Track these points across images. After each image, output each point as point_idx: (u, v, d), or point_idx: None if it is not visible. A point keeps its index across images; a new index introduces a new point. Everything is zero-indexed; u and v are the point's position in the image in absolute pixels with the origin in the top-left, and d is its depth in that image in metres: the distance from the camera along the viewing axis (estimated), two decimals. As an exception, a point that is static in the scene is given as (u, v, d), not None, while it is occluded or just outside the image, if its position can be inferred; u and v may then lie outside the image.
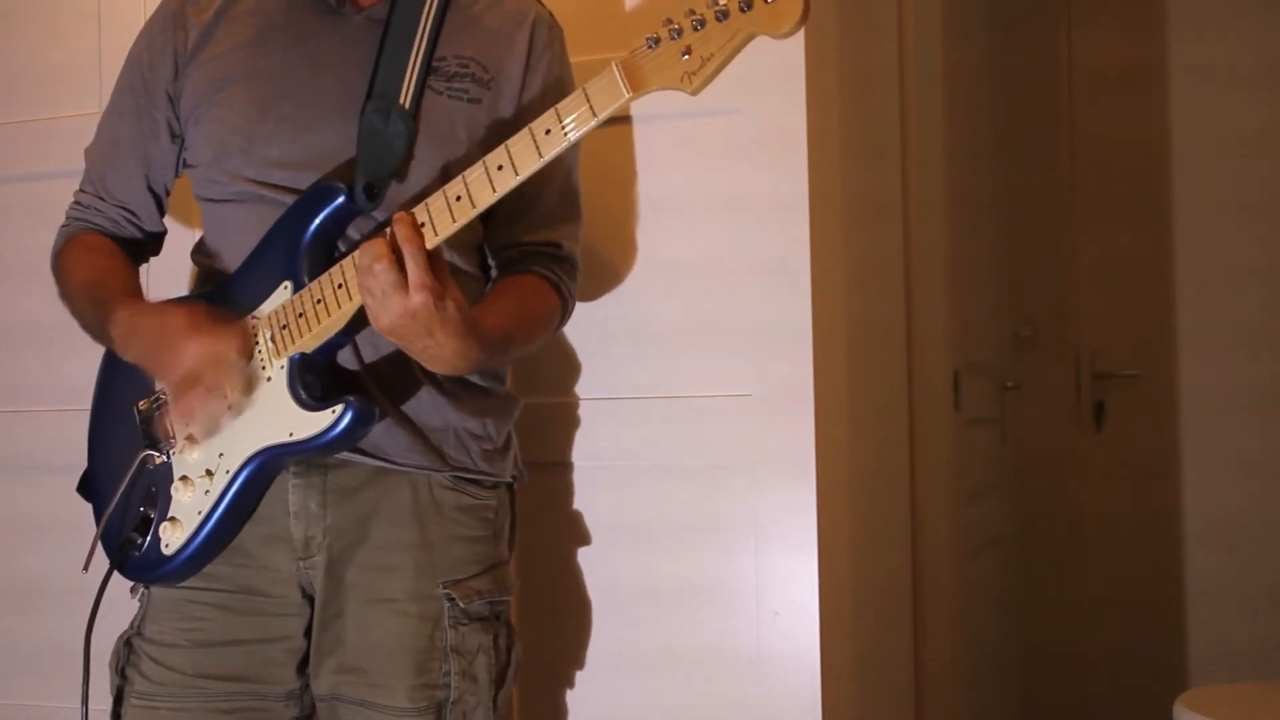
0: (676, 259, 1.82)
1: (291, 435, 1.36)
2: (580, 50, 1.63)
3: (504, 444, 1.55)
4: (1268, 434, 3.49)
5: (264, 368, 1.40)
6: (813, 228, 1.75)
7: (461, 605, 1.46)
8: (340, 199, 1.39)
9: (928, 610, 2.37)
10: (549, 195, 1.56)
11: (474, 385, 1.51)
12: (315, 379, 1.39)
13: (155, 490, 1.45)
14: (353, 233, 1.43)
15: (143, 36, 1.59)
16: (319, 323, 1.36)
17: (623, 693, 1.82)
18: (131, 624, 1.52)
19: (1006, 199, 3.39)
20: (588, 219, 1.64)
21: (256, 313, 1.41)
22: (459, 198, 1.29)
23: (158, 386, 1.48)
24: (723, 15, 1.18)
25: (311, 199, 1.41)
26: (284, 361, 1.38)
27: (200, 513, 1.41)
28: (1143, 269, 3.67)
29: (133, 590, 1.52)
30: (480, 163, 1.29)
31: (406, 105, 1.45)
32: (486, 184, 1.28)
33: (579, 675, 1.84)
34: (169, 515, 1.43)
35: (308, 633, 1.48)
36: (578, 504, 1.86)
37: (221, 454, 1.41)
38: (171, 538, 1.42)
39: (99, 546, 1.49)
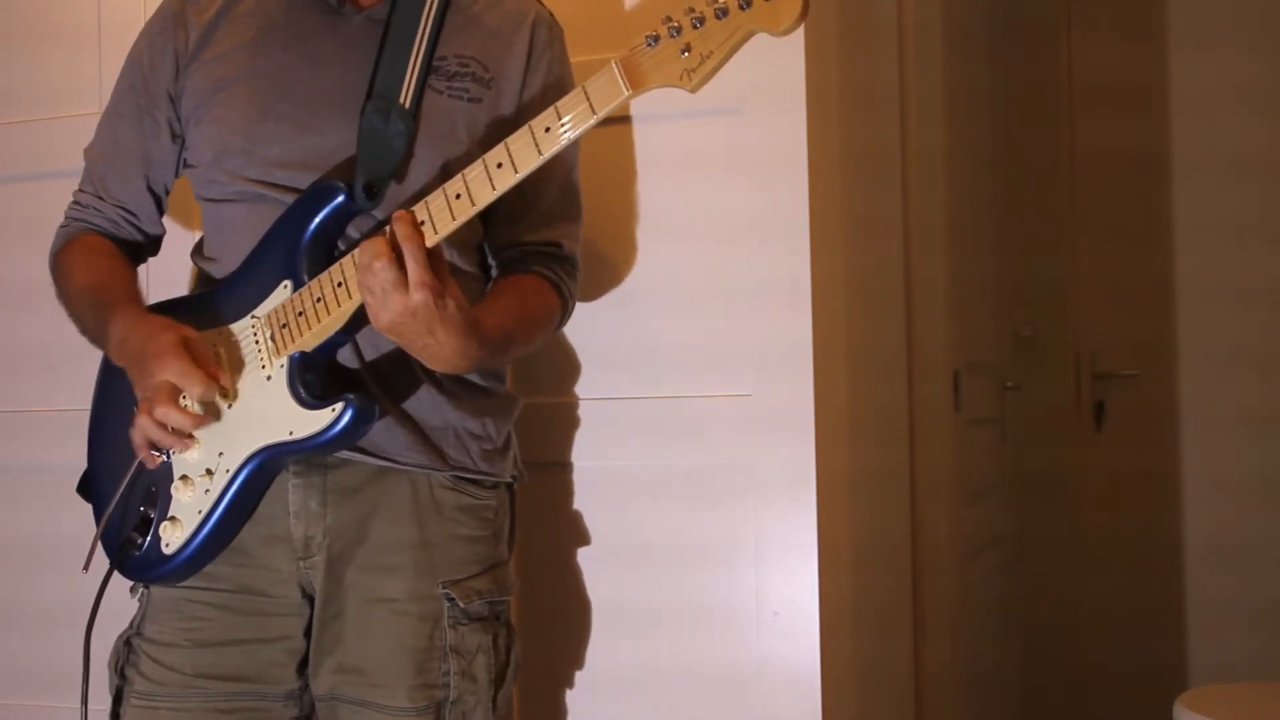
0: (677, 260, 1.82)
1: (292, 434, 1.36)
2: (580, 50, 1.63)
3: (504, 444, 1.55)
4: (1268, 434, 3.49)
5: (264, 366, 1.40)
6: (813, 235, 1.75)
7: (461, 605, 1.46)
8: (340, 198, 1.39)
9: (928, 611, 2.37)
10: (549, 194, 1.57)
11: (474, 385, 1.51)
12: (315, 377, 1.39)
13: (155, 490, 1.45)
14: (352, 232, 1.43)
15: (143, 37, 1.59)
16: (319, 321, 1.36)
17: (622, 692, 1.81)
18: (131, 624, 1.52)
19: (1007, 203, 3.39)
20: (588, 219, 1.64)
21: (256, 311, 1.42)
22: (459, 196, 1.29)
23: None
24: (722, 13, 1.18)
25: (311, 198, 1.41)
26: (284, 360, 1.38)
27: (200, 512, 1.41)
28: (1143, 269, 3.67)
29: (132, 590, 1.52)
30: (480, 160, 1.29)
31: (406, 105, 1.45)
32: (486, 182, 1.28)
33: (578, 675, 1.84)
34: (169, 515, 1.43)
35: (308, 633, 1.48)
36: (578, 504, 1.86)
37: (222, 453, 1.41)
38: (172, 537, 1.42)
39: (99, 546, 1.49)
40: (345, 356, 1.44)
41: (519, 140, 1.27)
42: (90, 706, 1.44)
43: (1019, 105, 3.51)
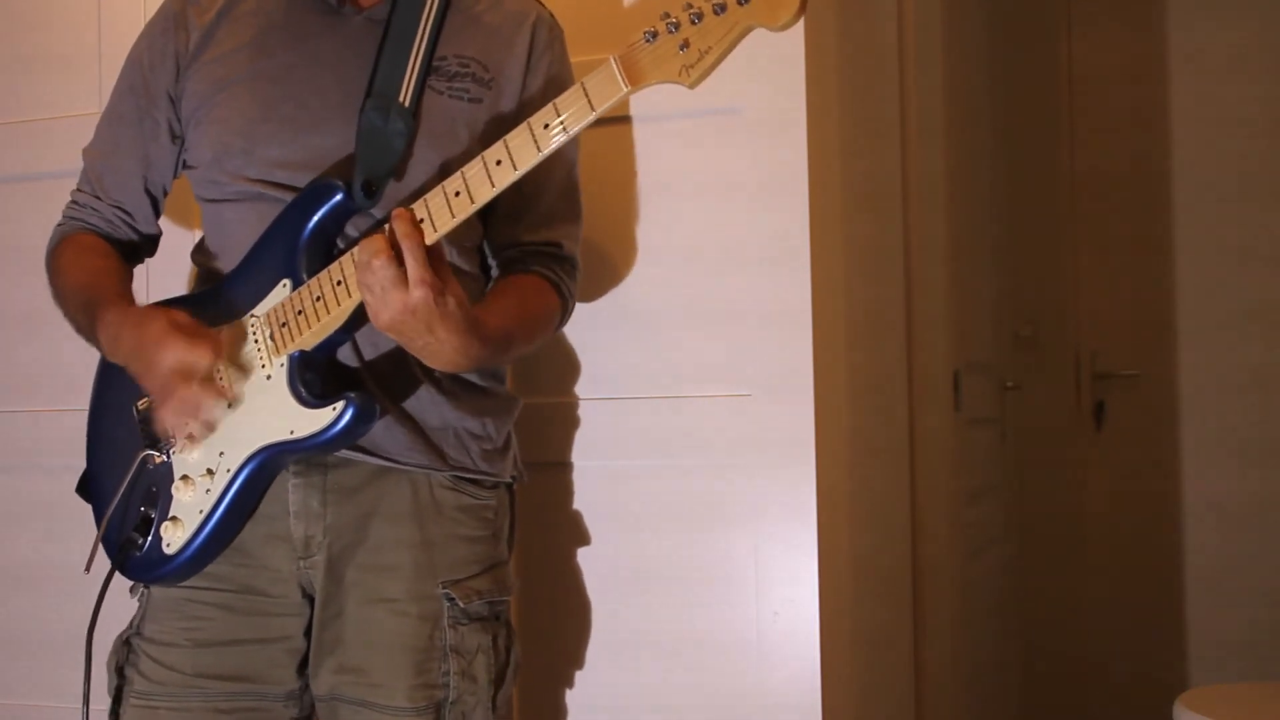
0: (677, 260, 1.82)
1: (292, 433, 1.36)
2: (580, 50, 1.63)
3: (504, 444, 1.55)
4: (1268, 434, 3.49)
5: (263, 366, 1.40)
6: (813, 229, 1.75)
7: (461, 605, 1.46)
8: (338, 196, 1.39)
9: (928, 610, 2.37)
10: (549, 194, 1.57)
11: (473, 385, 1.51)
12: (315, 376, 1.39)
13: (156, 490, 1.45)
14: (351, 230, 1.43)
15: (143, 38, 1.59)
16: (318, 320, 1.36)
17: (623, 692, 1.81)
18: (130, 623, 1.52)
19: (1006, 199, 3.39)
20: (588, 219, 1.64)
21: (255, 311, 1.41)
22: (458, 193, 1.29)
23: (156, 386, 1.48)
24: (720, 9, 1.18)
25: (309, 196, 1.41)
26: (284, 359, 1.38)
27: (201, 512, 1.41)
28: (1143, 269, 3.67)
29: (132, 590, 1.52)
30: (479, 158, 1.28)
31: (406, 103, 1.45)
32: (485, 179, 1.28)
33: (578, 675, 1.84)
34: (170, 515, 1.43)
35: (308, 633, 1.48)
36: (578, 504, 1.86)
37: (222, 453, 1.41)
38: (173, 537, 1.42)
39: (100, 547, 1.49)
40: (344, 356, 1.44)
41: (518, 137, 1.27)
42: (91, 706, 1.44)
43: (1019, 111, 3.51)
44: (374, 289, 1.26)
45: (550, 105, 1.26)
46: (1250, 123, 3.54)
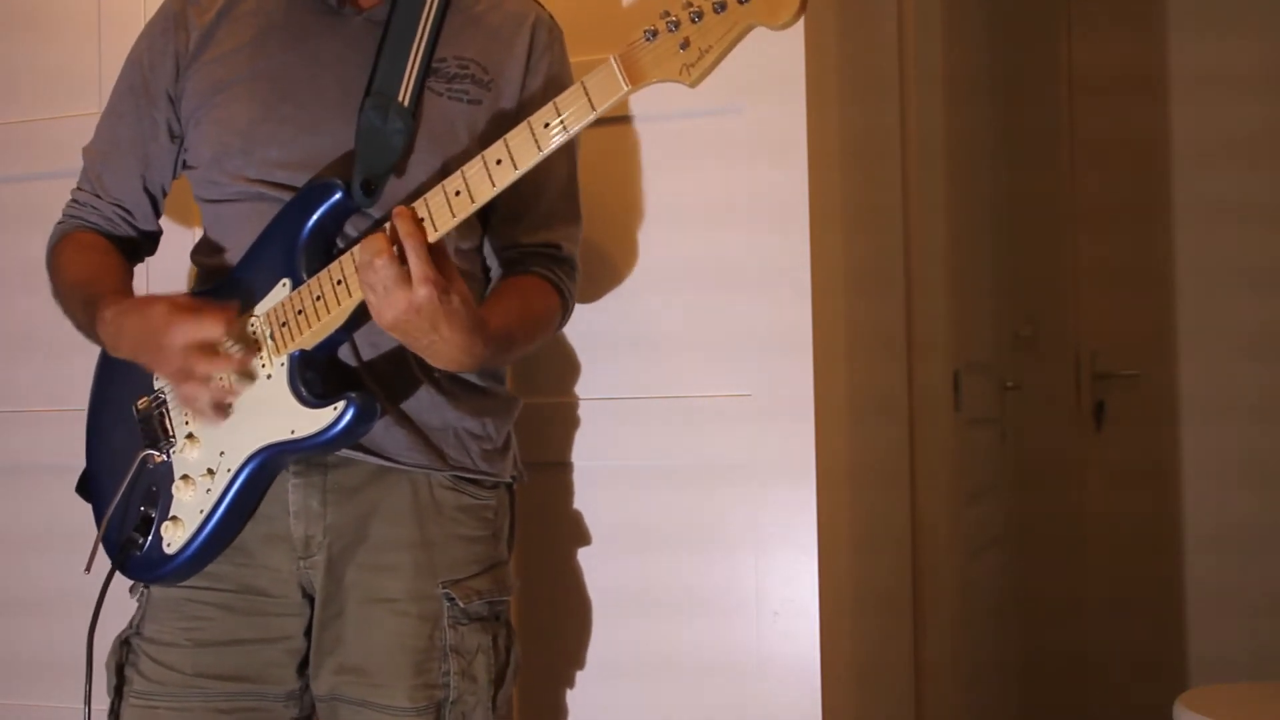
0: (677, 260, 1.82)
1: (293, 433, 1.36)
2: (579, 50, 1.63)
3: (504, 444, 1.55)
4: (1268, 434, 3.49)
5: (264, 365, 1.40)
6: (813, 229, 1.75)
7: (461, 605, 1.45)
8: (337, 195, 1.39)
9: (928, 610, 2.37)
10: (549, 195, 1.57)
11: (473, 385, 1.51)
12: (316, 376, 1.39)
13: (156, 490, 1.45)
14: (350, 230, 1.43)
15: (143, 38, 1.59)
16: (319, 320, 1.36)
17: (622, 693, 1.81)
18: (130, 623, 1.52)
19: (1006, 199, 3.39)
20: (588, 220, 1.64)
21: (255, 310, 1.41)
22: (458, 193, 1.29)
23: (156, 384, 1.48)
24: (720, 7, 1.18)
25: (308, 195, 1.41)
26: (284, 359, 1.38)
27: (202, 511, 1.41)
28: (1143, 269, 3.67)
29: (132, 590, 1.52)
30: (479, 157, 1.28)
31: (405, 103, 1.45)
32: (485, 178, 1.28)
33: (579, 675, 1.84)
34: (170, 514, 1.43)
35: (308, 633, 1.48)
36: (578, 504, 1.86)
37: (223, 452, 1.41)
38: (173, 537, 1.42)
39: (100, 547, 1.49)
40: (343, 356, 1.44)
41: (518, 136, 1.27)
42: (93, 706, 1.44)
43: (1018, 91, 3.50)
44: (377, 288, 1.26)
45: (551, 104, 1.26)
46: (1252, 125, 3.54)
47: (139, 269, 1.64)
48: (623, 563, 1.82)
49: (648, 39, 1.22)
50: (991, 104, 3.19)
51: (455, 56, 1.50)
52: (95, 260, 1.54)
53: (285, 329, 1.38)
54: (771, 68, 1.74)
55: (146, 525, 1.45)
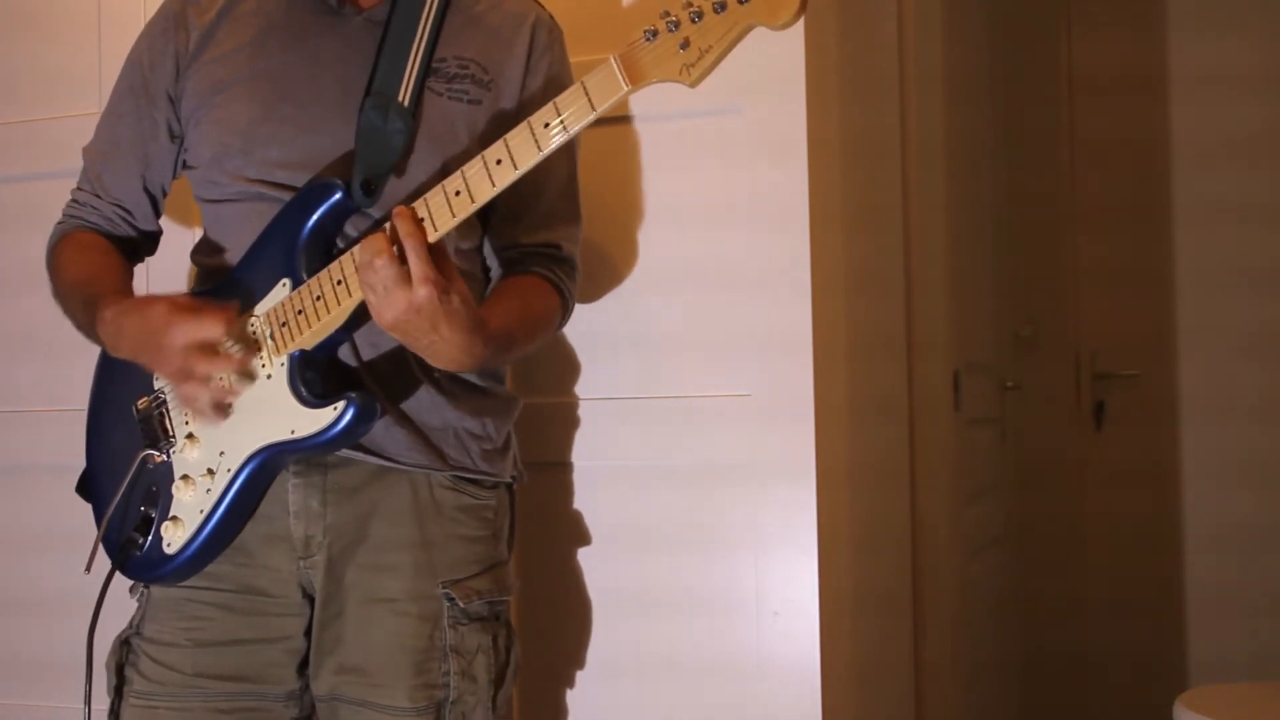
0: (677, 260, 1.82)
1: (293, 433, 1.36)
2: (579, 50, 1.63)
3: (503, 444, 1.55)
4: (1268, 433, 3.49)
5: (264, 365, 1.40)
6: (813, 229, 1.75)
7: (461, 605, 1.45)
8: (337, 195, 1.39)
9: (928, 610, 2.37)
10: (548, 196, 1.57)
11: (473, 385, 1.51)
12: (316, 376, 1.39)
13: (156, 489, 1.45)
14: (350, 230, 1.43)
15: (143, 38, 1.59)
16: (319, 320, 1.36)
17: (622, 693, 1.81)
18: (130, 623, 1.52)
19: (1007, 199, 3.39)
20: (588, 220, 1.64)
21: (255, 310, 1.41)
22: (458, 193, 1.29)
23: (156, 385, 1.48)
24: (720, 7, 1.18)
25: (308, 195, 1.41)
26: (284, 359, 1.38)
27: (202, 511, 1.41)
28: (1143, 269, 3.67)
29: (131, 590, 1.52)
30: (479, 157, 1.28)
31: (405, 103, 1.45)
32: (485, 178, 1.28)
33: (579, 675, 1.84)
34: (170, 514, 1.43)
35: (308, 633, 1.48)
36: (578, 504, 1.86)
37: (223, 452, 1.41)
38: (173, 537, 1.42)
39: (100, 547, 1.49)
40: (343, 356, 1.43)
41: (518, 136, 1.27)
42: (93, 706, 1.44)
43: (1018, 91, 3.50)
44: (377, 288, 1.26)
45: (551, 104, 1.26)
46: (1252, 125, 3.54)
47: (139, 269, 1.64)
48: (623, 563, 1.82)
49: (648, 39, 1.22)
50: (991, 104, 3.19)
51: (455, 56, 1.50)
52: (95, 260, 1.54)
53: (285, 329, 1.38)
54: (771, 68, 1.74)
55: (146, 525, 1.45)
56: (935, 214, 2.44)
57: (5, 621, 2.14)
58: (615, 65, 1.23)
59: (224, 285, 1.47)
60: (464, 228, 1.36)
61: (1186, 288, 3.63)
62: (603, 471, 1.84)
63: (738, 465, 1.77)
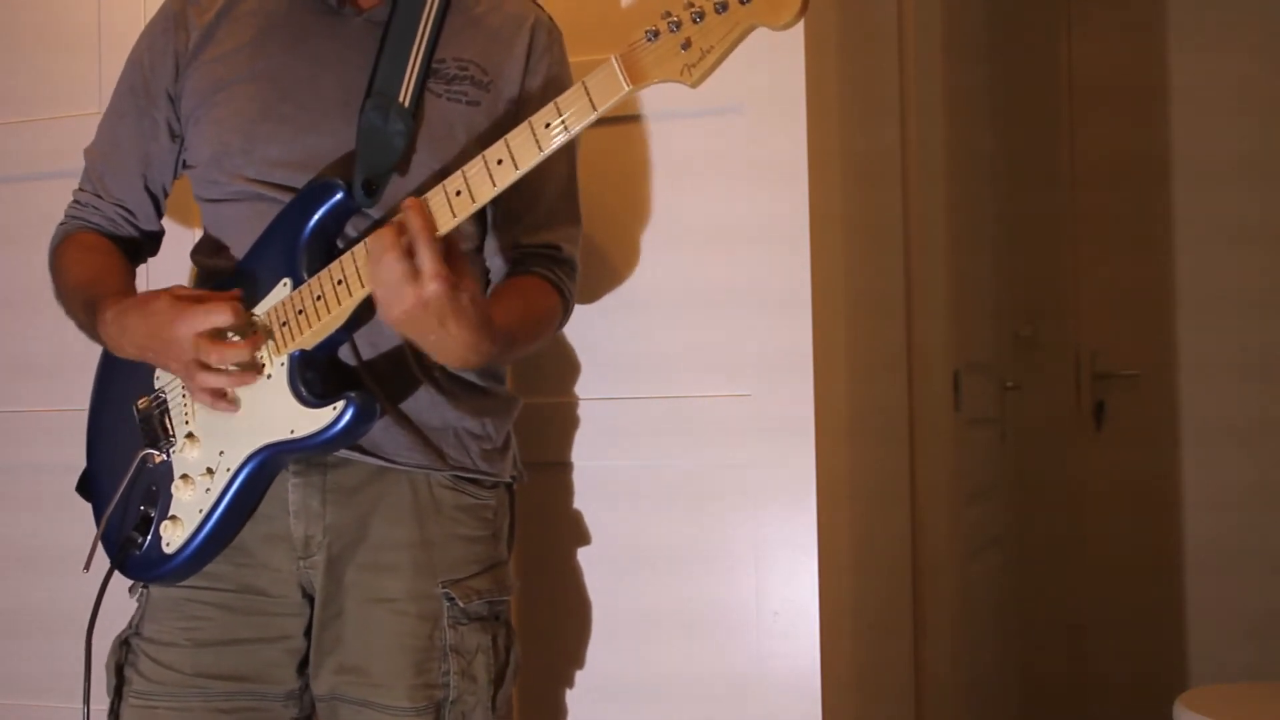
0: (677, 260, 1.82)
1: (293, 432, 1.36)
2: (579, 50, 1.63)
3: (503, 444, 1.55)
4: (1268, 433, 3.49)
5: (264, 365, 1.40)
6: (813, 232, 1.75)
7: (460, 605, 1.45)
8: (338, 195, 1.39)
9: (928, 611, 2.37)
10: (548, 196, 1.57)
11: (473, 385, 1.51)
12: (316, 376, 1.38)
13: (155, 489, 1.45)
14: (350, 230, 1.43)
15: (144, 38, 1.59)
16: (319, 319, 1.36)
17: (622, 693, 1.81)
18: (130, 623, 1.52)
19: (1007, 200, 3.39)
20: (588, 219, 1.64)
21: (255, 310, 1.41)
22: (459, 193, 1.29)
23: (157, 384, 1.48)
24: (721, 8, 1.18)
25: (309, 195, 1.41)
26: (284, 359, 1.38)
27: (201, 511, 1.41)
28: (1143, 269, 3.67)
29: (131, 590, 1.52)
30: (480, 157, 1.28)
31: (406, 103, 1.45)
32: (486, 178, 1.28)
33: (578, 675, 1.84)
34: (170, 514, 1.43)
35: (308, 632, 1.48)
36: (578, 504, 1.86)
37: (222, 452, 1.41)
38: (173, 536, 1.42)
39: (99, 546, 1.49)
40: (343, 356, 1.43)
41: (519, 136, 1.27)
42: (92, 706, 1.44)
43: (1019, 106, 3.51)
44: (387, 283, 1.26)
45: (552, 104, 1.26)
46: (1251, 123, 3.54)
47: (139, 269, 1.64)
48: (622, 562, 1.82)
49: (649, 39, 1.21)
50: (992, 110, 3.19)
51: (455, 58, 1.50)
52: (97, 261, 1.54)
53: (285, 328, 1.38)
54: (772, 68, 1.73)
55: (146, 525, 1.45)
56: (936, 216, 2.44)
57: (5, 622, 2.14)
58: (616, 65, 1.23)
59: (224, 285, 1.47)
60: (464, 227, 1.36)
61: (1186, 288, 3.63)
62: (603, 471, 1.84)
63: (738, 466, 1.77)
